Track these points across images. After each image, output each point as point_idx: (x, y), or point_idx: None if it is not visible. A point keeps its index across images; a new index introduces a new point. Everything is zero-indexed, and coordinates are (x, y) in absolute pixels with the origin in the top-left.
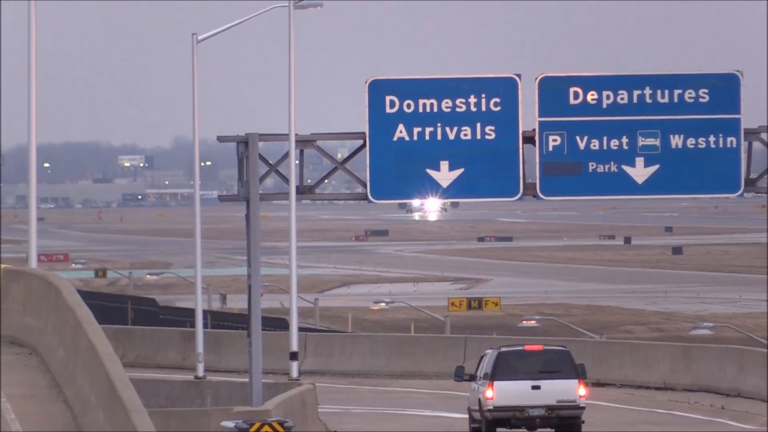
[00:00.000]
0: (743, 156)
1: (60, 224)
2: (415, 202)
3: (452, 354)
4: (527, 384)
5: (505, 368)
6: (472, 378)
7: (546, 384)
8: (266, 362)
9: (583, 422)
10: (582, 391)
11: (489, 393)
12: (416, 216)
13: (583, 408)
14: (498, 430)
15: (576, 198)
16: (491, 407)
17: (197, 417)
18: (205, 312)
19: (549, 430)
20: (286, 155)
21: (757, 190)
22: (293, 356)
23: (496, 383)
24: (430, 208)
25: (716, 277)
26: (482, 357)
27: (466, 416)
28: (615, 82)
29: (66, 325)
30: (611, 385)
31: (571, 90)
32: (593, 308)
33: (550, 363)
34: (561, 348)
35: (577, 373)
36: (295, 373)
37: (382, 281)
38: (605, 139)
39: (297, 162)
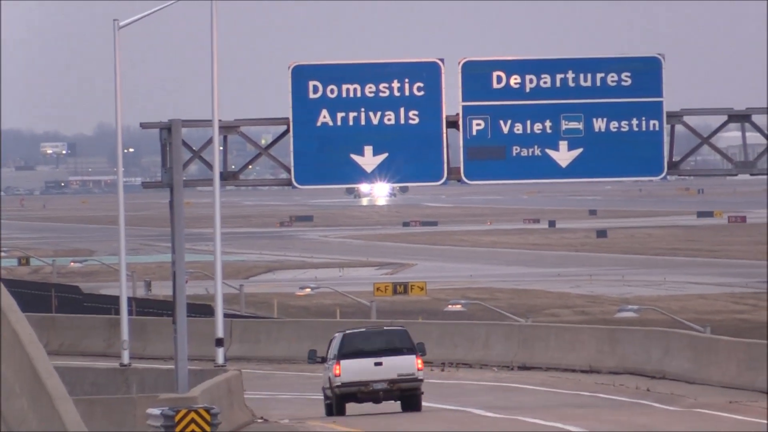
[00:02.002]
0: (666, 139)
1: None
2: (364, 188)
3: None
4: (370, 361)
5: (350, 348)
6: (324, 359)
7: (387, 360)
8: (192, 349)
9: (422, 393)
10: (420, 365)
11: (337, 371)
12: (364, 201)
13: (421, 380)
14: (347, 405)
15: (500, 182)
16: (339, 383)
17: (123, 404)
18: (129, 299)
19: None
20: (210, 141)
21: (680, 172)
22: (219, 343)
23: (343, 362)
24: (378, 193)
25: (640, 260)
26: (332, 340)
27: (392, 401)
28: (538, 66)
29: None
30: (537, 369)
31: (494, 74)
32: (518, 292)
33: (390, 341)
34: (400, 328)
35: (415, 350)
36: (220, 360)
37: (307, 267)
38: (529, 123)
39: (221, 148)
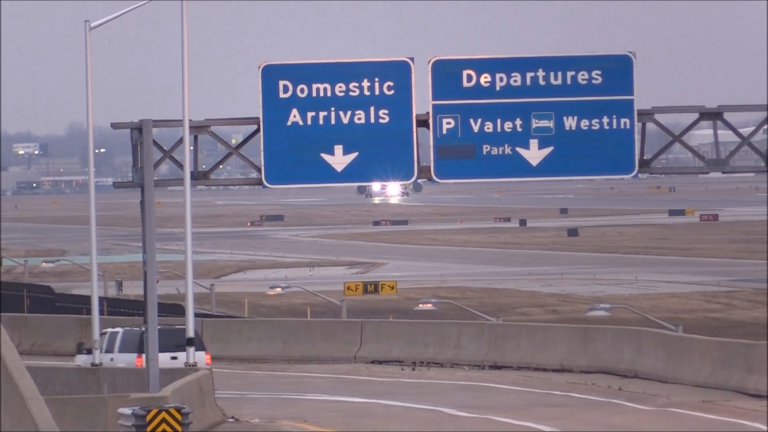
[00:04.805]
0: (637, 137)
1: None
2: (375, 186)
3: (349, 338)
4: (167, 355)
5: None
6: (90, 351)
7: (181, 355)
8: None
9: None
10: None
11: (139, 363)
12: (376, 200)
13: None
14: None
15: (470, 181)
16: None
17: (94, 404)
18: (101, 299)
19: None
20: (181, 141)
21: (651, 171)
22: (190, 342)
23: (144, 356)
24: (391, 192)
25: (612, 259)
26: (105, 333)
27: (364, 400)
28: (508, 65)
29: None
30: (508, 368)
31: (465, 73)
32: (489, 291)
33: (181, 338)
34: None
35: (203, 346)
36: (192, 359)
37: (278, 266)
38: (499, 121)
39: (191, 148)
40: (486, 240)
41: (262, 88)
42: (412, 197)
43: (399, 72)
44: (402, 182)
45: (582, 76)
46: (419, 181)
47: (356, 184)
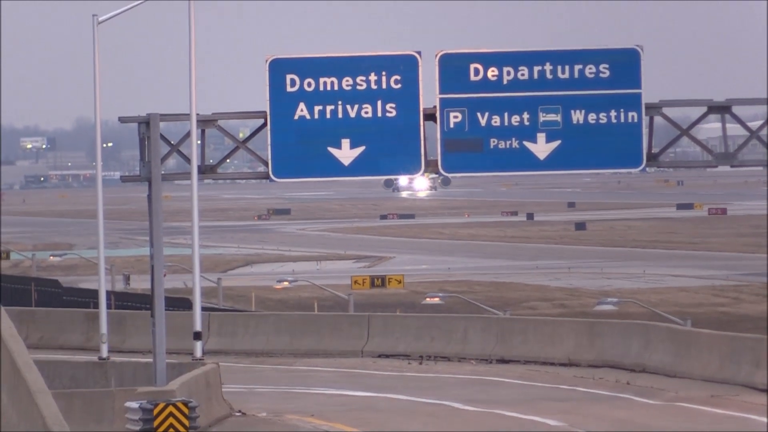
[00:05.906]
0: (645, 131)
1: None
2: (402, 180)
3: (356, 332)
4: None
5: None
6: None
7: None
8: (170, 342)
9: None
10: None
11: None
12: (404, 194)
13: None
14: None
15: (478, 174)
16: None
17: (101, 398)
18: (108, 293)
19: None
20: (188, 135)
21: (659, 164)
22: (197, 336)
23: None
24: (418, 186)
25: (620, 253)
26: None
27: (371, 394)
28: (516, 58)
29: None
30: (515, 362)
31: (472, 66)
32: (497, 285)
33: None
34: None
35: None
36: (198, 353)
37: (285, 260)
38: (506, 115)
39: (198, 142)
40: (493, 234)
41: (270, 82)
42: (440, 191)
43: (406, 66)
44: (409, 176)
45: (589, 70)
46: (449, 176)
47: (382, 179)
